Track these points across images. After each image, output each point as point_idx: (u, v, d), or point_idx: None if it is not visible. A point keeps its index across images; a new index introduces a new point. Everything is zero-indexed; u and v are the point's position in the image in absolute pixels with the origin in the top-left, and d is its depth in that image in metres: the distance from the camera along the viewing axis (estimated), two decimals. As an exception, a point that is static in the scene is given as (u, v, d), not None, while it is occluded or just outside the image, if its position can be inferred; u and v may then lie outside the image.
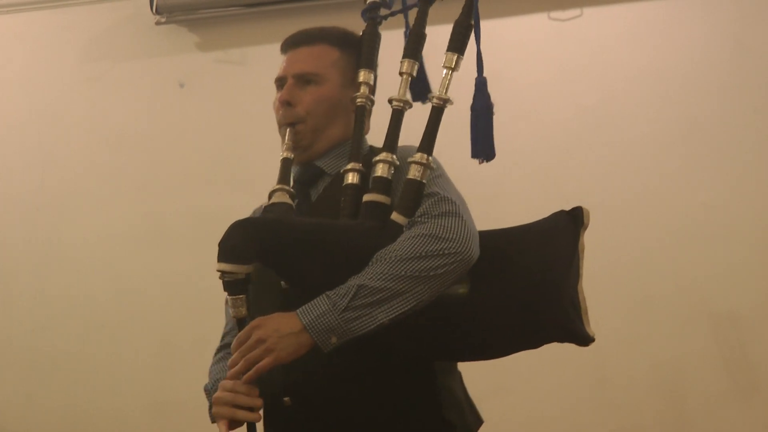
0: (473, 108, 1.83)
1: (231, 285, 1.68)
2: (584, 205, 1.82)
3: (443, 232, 1.67)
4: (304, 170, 1.91)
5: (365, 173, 1.81)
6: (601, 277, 3.48)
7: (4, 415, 3.73)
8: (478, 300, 1.72)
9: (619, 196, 3.52)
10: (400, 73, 1.85)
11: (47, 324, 3.75)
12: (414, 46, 1.85)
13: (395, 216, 1.73)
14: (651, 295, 3.46)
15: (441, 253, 1.65)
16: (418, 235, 1.66)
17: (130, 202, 3.77)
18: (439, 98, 1.78)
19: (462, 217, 1.71)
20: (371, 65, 1.90)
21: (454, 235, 1.67)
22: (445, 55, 1.79)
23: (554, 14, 3.64)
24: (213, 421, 1.84)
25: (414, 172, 1.74)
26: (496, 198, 3.39)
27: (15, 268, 3.81)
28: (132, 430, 3.65)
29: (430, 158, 1.76)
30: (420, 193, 1.74)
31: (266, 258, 1.68)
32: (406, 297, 1.64)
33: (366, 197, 1.76)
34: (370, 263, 1.66)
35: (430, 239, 1.66)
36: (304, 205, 1.88)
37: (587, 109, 3.58)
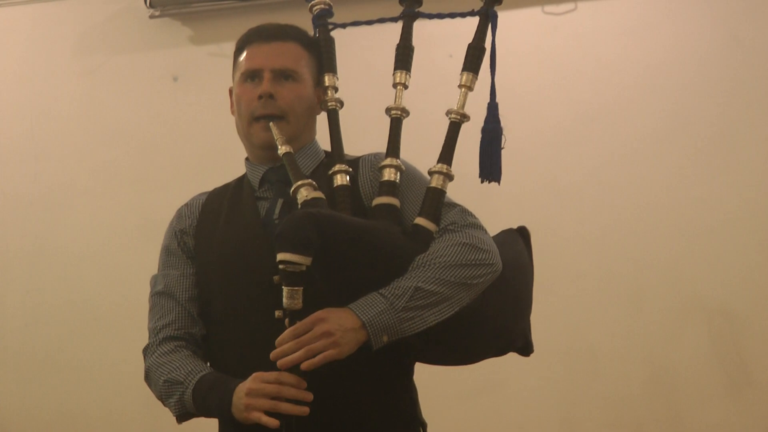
0: (483, 131, 1.90)
1: (292, 276, 1.63)
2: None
3: (480, 243, 1.74)
4: (278, 170, 1.89)
5: (353, 175, 1.84)
6: (594, 272, 3.50)
7: (-3, 410, 3.74)
8: (469, 308, 1.74)
9: (613, 190, 3.53)
10: (394, 85, 1.92)
11: (40, 319, 3.74)
12: (404, 58, 1.93)
13: (423, 222, 1.77)
14: (644, 291, 3.47)
15: (481, 263, 1.72)
16: (458, 243, 1.72)
17: (124, 195, 3.76)
18: (457, 113, 1.86)
19: (486, 231, 1.80)
20: (335, 69, 1.95)
21: (489, 247, 1.75)
22: (461, 75, 1.89)
23: (548, 8, 3.63)
24: (181, 413, 1.81)
25: (436, 182, 1.81)
26: (489, 192, 3.39)
27: (7, 262, 3.79)
28: (127, 424, 3.64)
29: (450, 168, 1.82)
30: (442, 202, 1.80)
31: (319, 252, 1.65)
32: (451, 302, 1.69)
33: (380, 200, 1.80)
34: (415, 266, 1.70)
35: (470, 249, 1.72)
36: (286, 205, 1.86)
37: (581, 104, 3.58)
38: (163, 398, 1.83)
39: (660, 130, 3.54)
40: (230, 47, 4.03)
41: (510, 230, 1.92)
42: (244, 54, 1.92)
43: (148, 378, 1.88)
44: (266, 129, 1.85)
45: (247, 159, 1.97)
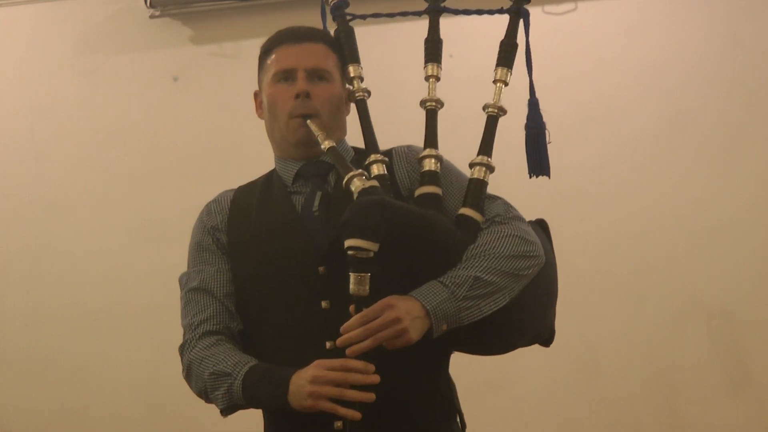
0: (528, 127, 1.99)
1: (361, 262, 1.63)
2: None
3: (528, 235, 1.79)
4: (314, 165, 1.91)
5: (389, 165, 1.86)
6: (594, 272, 3.49)
7: (-3, 411, 3.73)
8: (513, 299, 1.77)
9: (613, 190, 3.53)
10: (426, 77, 1.94)
11: (40, 320, 3.73)
12: (435, 51, 1.96)
13: (470, 212, 1.80)
14: (645, 290, 3.47)
15: (531, 254, 1.77)
16: (509, 235, 1.76)
17: (124, 195, 3.76)
18: (494, 107, 1.91)
19: (528, 223, 1.84)
20: (359, 59, 1.96)
21: (536, 240, 1.81)
22: (495, 70, 1.95)
23: (549, 8, 3.64)
24: (228, 405, 1.77)
25: (478, 173, 1.84)
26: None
27: (7, 262, 3.79)
28: (127, 425, 3.64)
29: (491, 160, 1.86)
30: (485, 193, 1.84)
31: (384, 239, 1.66)
32: (504, 292, 1.73)
33: (424, 189, 1.82)
34: (470, 256, 1.73)
35: (520, 241, 1.77)
36: (326, 197, 1.87)
37: (581, 103, 3.58)
38: (207, 391, 1.79)
39: (660, 129, 3.54)
40: (231, 47, 4.08)
41: (530, 222, 1.93)
42: (274, 56, 1.92)
43: (189, 373, 1.84)
44: (303, 126, 1.86)
45: (277, 157, 1.97)
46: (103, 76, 3.86)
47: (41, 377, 3.71)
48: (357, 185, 1.74)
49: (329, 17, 2.04)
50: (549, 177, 1.97)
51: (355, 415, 1.64)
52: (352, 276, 1.64)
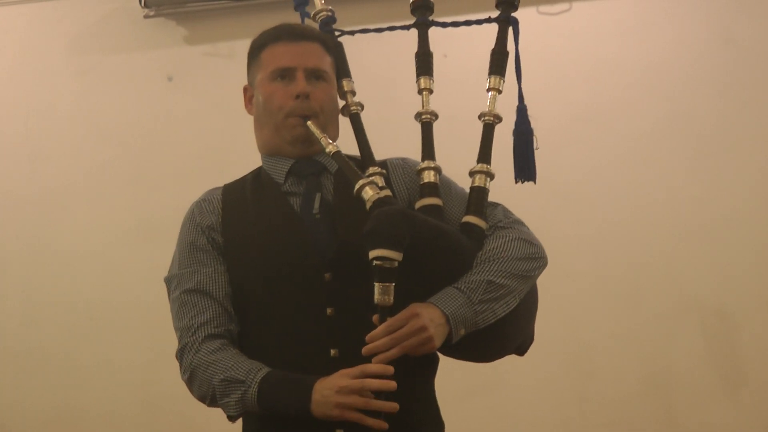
0: (516, 133, 2.01)
1: (386, 272, 1.65)
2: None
3: (531, 238, 1.84)
4: (307, 164, 1.89)
5: (387, 176, 1.87)
6: (590, 272, 3.50)
7: (-7, 410, 3.73)
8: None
9: (608, 190, 3.53)
10: (419, 91, 1.97)
11: (37, 319, 3.73)
12: (426, 65, 1.99)
13: (475, 220, 1.83)
14: (640, 291, 3.47)
15: (537, 256, 1.82)
16: (514, 239, 1.80)
17: (119, 195, 3.76)
18: (490, 115, 1.94)
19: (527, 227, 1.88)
20: (350, 73, 1.99)
21: (539, 242, 1.85)
22: (488, 79, 1.97)
23: (543, 8, 3.64)
24: (240, 412, 1.75)
25: (479, 181, 1.88)
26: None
27: (4, 263, 3.79)
28: (125, 424, 3.64)
29: (490, 167, 1.89)
30: (486, 200, 1.87)
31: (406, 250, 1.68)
32: (514, 294, 1.77)
33: (426, 201, 1.85)
34: (480, 261, 1.77)
35: (526, 243, 1.81)
36: (325, 200, 1.85)
37: (576, 104, 3.59)
38: (216, 397, 1.76)
39: (655, 130, 3.54)
40: (225, 47, 4.06)
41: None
42: (270, 52, 1.91)
43: (191, 377, 1.80)
44: (300, 125, 1.85)
45: (264, 155, 1.94)
46: (97, 76, 3.86)
47: (39, 376, 3.71)
48: (370, 194, 1.73)
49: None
50: (535, 182, 2.00)
51: (382, 425, 1.65)
52: (376, 286, 1.66)
